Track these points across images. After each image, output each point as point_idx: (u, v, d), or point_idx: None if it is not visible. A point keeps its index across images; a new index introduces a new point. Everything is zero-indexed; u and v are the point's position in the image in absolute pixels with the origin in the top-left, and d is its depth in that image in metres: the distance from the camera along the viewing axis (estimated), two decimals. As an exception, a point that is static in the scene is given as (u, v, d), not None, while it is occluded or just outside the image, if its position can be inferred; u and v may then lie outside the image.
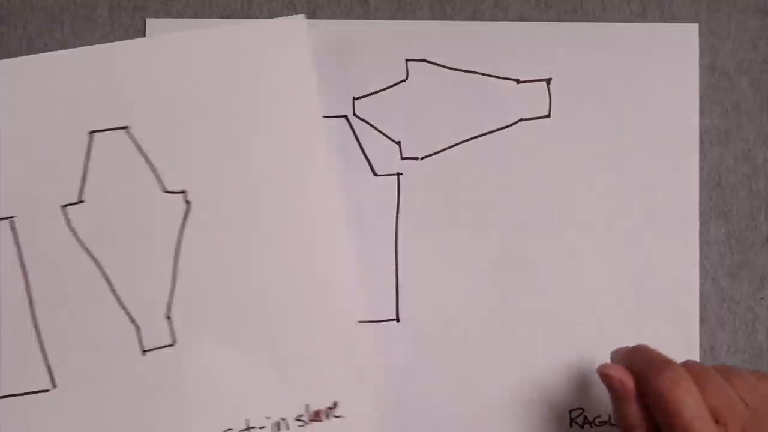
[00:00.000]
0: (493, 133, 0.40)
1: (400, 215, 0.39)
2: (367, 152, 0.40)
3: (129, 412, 0.37)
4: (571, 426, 0.39)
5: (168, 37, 0.38)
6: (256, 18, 0.40)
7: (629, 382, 0.32)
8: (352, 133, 0.40)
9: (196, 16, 0.40)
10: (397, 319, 0.39)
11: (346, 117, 0.40)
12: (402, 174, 0.40)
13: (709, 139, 0.40)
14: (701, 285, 0.39)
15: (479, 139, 0.40)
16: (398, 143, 0.40)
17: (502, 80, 0.40)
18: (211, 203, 0.37)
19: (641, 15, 0.40)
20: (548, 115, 0.40)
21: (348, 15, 0.40)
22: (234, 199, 0.37)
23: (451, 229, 0.39)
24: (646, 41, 0.40)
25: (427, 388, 0.39)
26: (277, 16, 0.40)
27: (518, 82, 0.40)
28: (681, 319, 0.39)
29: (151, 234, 0.37)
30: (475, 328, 0.39)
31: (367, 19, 0.40)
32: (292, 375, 0.37)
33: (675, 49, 0.40)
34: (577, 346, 0.39)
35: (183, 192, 0.37)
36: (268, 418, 0.37)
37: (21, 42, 0.39)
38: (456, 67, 0.40)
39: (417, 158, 0.40)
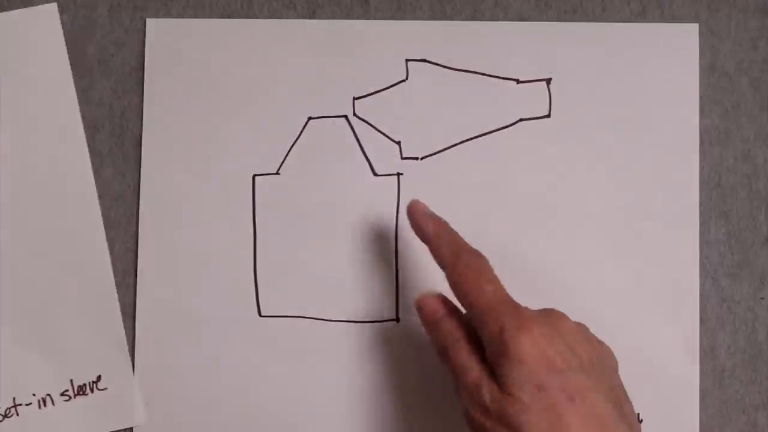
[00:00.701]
0: (493, 133, 0.40)
1: (400, 215, 0.39)
2: (367, 152, 0.40)
3: None
4: (571, 426, 0.39)
5: None
6: (256, 18, 0.40)
7: (439, 306, 0.33)
8: (352, 133, 0.40)
9: (196, 16, 0.40)
10: (397, 319, 0.39)
11: (346, 117, 0.40)
12: (402, 174, 0.40)
13: (709, 139, 0.40)
14: (701, 285, 0.39)
15: (479, 139, 0.40)
16: (398, 143, 0.40)
17: (502, 80, 0.40)
18: None
19: (641, 15, 0.40)
20: (548, 115, 0.40)
21: (348, 15, 0.40)
22: None
23: (451, 229, 0.39)
24: (646, 41, 0.40)
25: (428, 387, 0.39)
26: (277, 17, 0.40)
27: (518, 82, 0.40)
28: (681, 319, 0.39)
29: None
30: (475, 328, 0.39)
31: (367, 19, 0.40)
32: (56, 352, 0.39)
33: (675, 49, 0.40)
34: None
35: None
36: (34, 395, 0.39)
37: (21, 42, 0.39)
38: (456, 67, 0.40)
39: (417, 158, 0.40)
